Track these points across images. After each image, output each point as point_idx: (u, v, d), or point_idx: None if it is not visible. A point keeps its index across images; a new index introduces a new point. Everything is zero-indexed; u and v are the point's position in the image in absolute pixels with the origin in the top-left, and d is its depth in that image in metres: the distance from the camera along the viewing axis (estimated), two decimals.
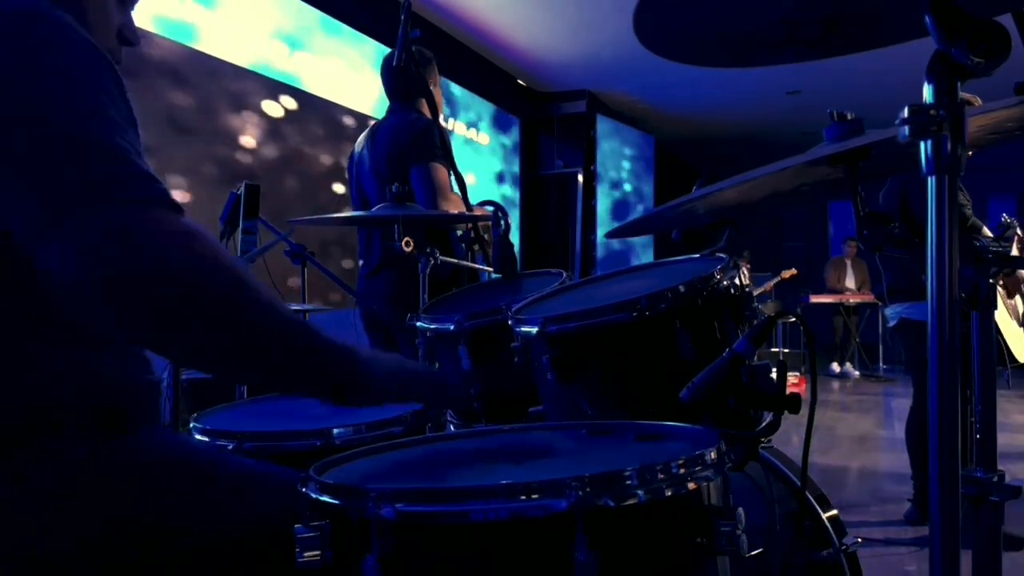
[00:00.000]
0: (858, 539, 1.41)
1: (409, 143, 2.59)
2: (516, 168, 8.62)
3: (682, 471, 0.76)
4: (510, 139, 8.51)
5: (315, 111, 5.35)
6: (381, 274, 2.72)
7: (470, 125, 7.57)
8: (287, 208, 4.65)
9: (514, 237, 6.47)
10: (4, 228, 0.80)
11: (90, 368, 0.93)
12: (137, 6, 1.09)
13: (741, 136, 10.76)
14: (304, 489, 0.80)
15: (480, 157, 7.80)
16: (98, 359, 0.94)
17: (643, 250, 9.54)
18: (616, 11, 5.60)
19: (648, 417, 1.05)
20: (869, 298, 9.26)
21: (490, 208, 2.02)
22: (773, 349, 8.76)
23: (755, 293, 1.20)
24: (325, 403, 0.95)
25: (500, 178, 8.24)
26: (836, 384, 8.93)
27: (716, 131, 10.70)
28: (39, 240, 0.77)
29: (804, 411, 1.01)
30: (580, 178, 8.75)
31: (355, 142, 2.94)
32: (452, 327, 1.52)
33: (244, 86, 4.75)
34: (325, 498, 0.77)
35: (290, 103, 5.12)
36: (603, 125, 9.03)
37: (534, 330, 1.20)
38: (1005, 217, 3.28)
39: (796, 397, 0.97)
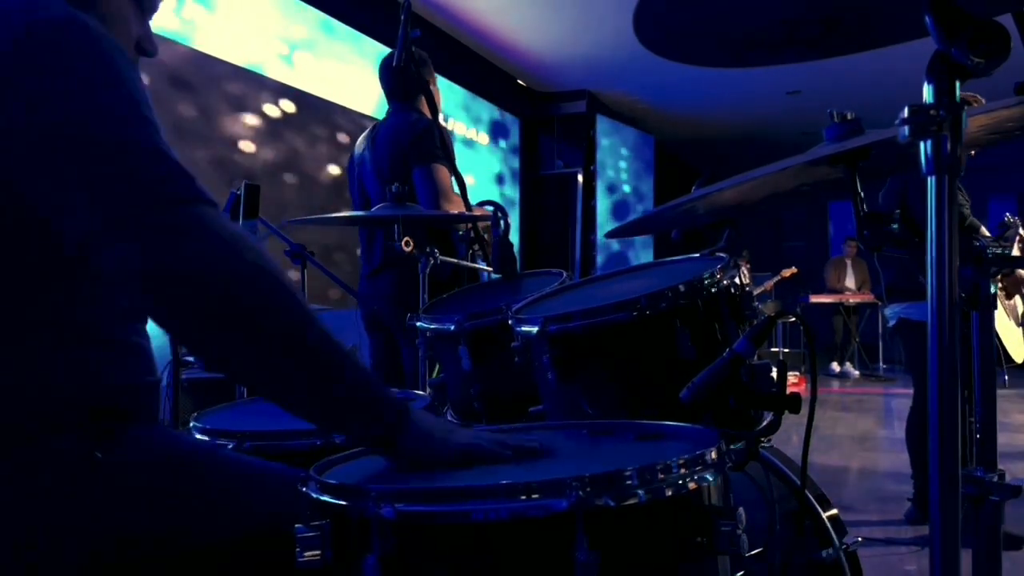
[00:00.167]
0: (858, 539, 1.41)
1: (410, 144, 2.59)
2: (516, 168, 8.61)
3: (682, 471, 0.76)
4: (509, 141, 8.51)
5: (314, 112, 5.35)
6: (382, 274, 2.72)
7: (470, 125, 7.58)
8: (287, 208, 4.65)
9: (514, 237, 6.47)
10: (56, 229, 0.82)
11: (91, 368, 0.93)
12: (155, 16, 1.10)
13: (741, 136, 10.75)
14: (304, 489, 0.80)
15: (480, 157, 7.80)
16: (100, 359, 0.94)
17: (643, 250, 9.54)
18: (616, 11, 5.60)
19: (648, 417, 1.05)
20: (869, 298, 9.26)
21: (490, 208, 2.02)
22: (773, 349, 8.77)
23: (755, 293, 1.20)
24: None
25: (500, 180, 8.24)
26: (836, 384, 8.93)
27: (716, 131, 10.70)
28: (98, 243, 0.78)
29: (804, 411, 1.01)
30: (580, 178, 8.75)
31: (355, 143, 2.94)
32: (452, 327, 1.52)
33: (243, 86, 4.76)
34: (325, 498, 0.78)
35: (289, 104, 5.13)
36: (603, 125, 9.02)
37: (534, 330, 1.20)
38: (1008, 217, 3.28)
39: (796, 397, 0.97)
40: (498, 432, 1.06)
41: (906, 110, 0.76)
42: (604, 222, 8.93)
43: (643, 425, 1.02)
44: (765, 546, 1.22)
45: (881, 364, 9.40)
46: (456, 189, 2.49)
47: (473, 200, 2.53)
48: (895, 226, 0.90)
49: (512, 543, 0.72)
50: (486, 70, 7.86)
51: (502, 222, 1.91)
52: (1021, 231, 3.37)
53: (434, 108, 2.61)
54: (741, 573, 1.28)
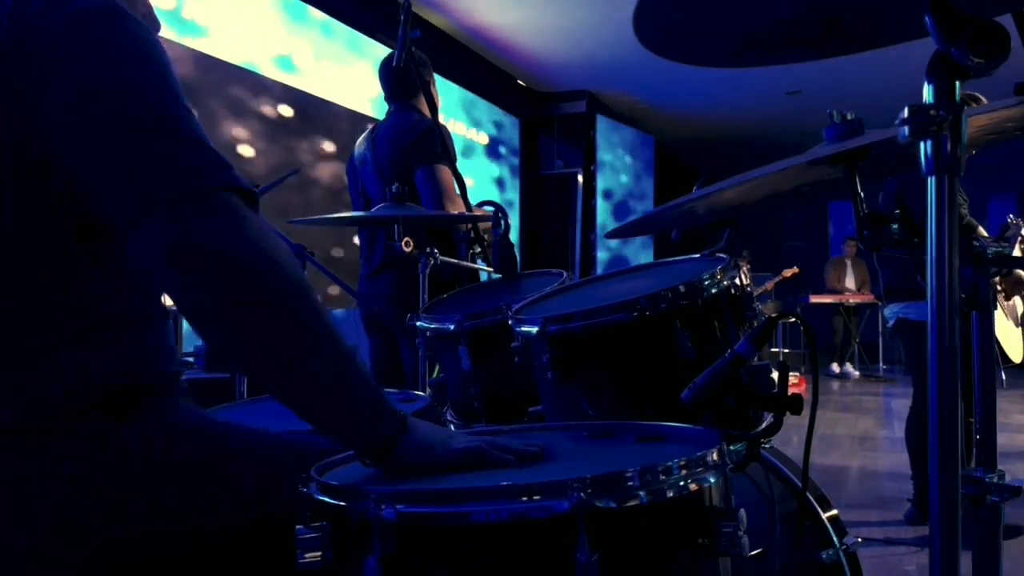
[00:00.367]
0: (858, 539, 1.41)
1: (412, 144, 2.59)
2: (516, 168, 8.61)
3: (683, 472, 0.76)
4: (509, 143, 8.51)
5: (314, 112, 5.35)
6: (383, 274, 2.72)
7: (470, 126, 7.58)
8: (287, 209, 4.65)
9: (514, 237, 6.47)
10: (95, 216, 0.85)
11: (111, 364, 0.93)
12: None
13: (741, 136, 10.75)
14: (305, 490, 0.80)
15: (479, 157, 7.80)
16: (123, 348, 0.94)
17: (643, 250, 9.53)
18: (616, 11, 5.60)
19: (649, 417, 1.05)
20: (869, 298, 9.26)
21: (490, 208, 2.02)
22: (773, 349, 8.77)
23: (755, 293, 1.20)
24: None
25: (500, 183, 8.24)
26: (836, 384, 8.93)
27: (716, 131, 10.69)
28: (135, 221, 0.81)
29: (805, 412, 1.01)
30: (580, 178, 8.75)
31: (355, 143, 2.94)
32: (452, 327, 1.52)
33: (243, 86, 4.75)
34: (326, 499, 0.77)
35: (289, 103, 5.13)
36: (603, 125, 9.02)
37: (534, 330, 1.20)
38: (1011, 218, 3.27)
39: (797, 398, 0.97)
40: (498, 433, 1.06)
41: (906, 110, 0.76)
42: (604, 222, 8.93)
43: (644, 426, 1.01)
44: (766, 546, 1.22)
45: (881, 364, 9.39)
46: (457, 190, 2.49)
47: (473, 200, 2.53)
48: (895, 227, 0.90)
49: (513, 544, 0.72)
50: (486, 70, 7.86)
51: (502, 222, 1.91)
52: (1022, 231, 3.37)
53: (434, 108, 2.61)
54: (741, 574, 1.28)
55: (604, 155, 9.05)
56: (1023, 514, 1.79)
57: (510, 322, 1.29)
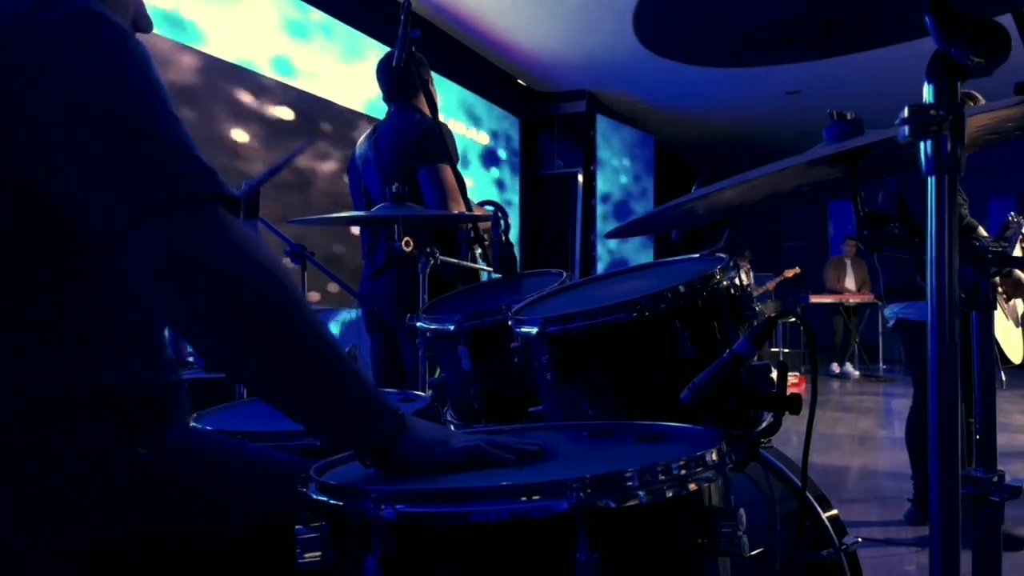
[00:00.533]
0: (858, 539, 1.41)
1: (414, 144, 2.59)
2: (516, 168, 8.61)
3: (683, 472, 0.76)
4: (508, 144, 8.50)
5: (314, 112, 5.35)
6: (385, 274, 2.72)
7: (470, 126, 7.57)
8: (287, 208, 4.65)
9: (514, 237, 6.47)
10: (82, 226, 0.83)
11: (112, 366, 0.93)
12: None
13: (741, 136, 10.75)
14: (304, 490, 0.80)
15: (479, 157, 7.80)
16: (122, 359, 0.94)
17: (643, 250, 9.53)
18: (616, 11, 5.60)
19: (648, 417, 1.05)
20: (869, 298, 9.26)
21: (490, 208, 2.02)
22: (773, 349, 8.77)
23: (756, 293, 1.20)
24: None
25: (500, 183, 8.23)
26: (836, 384, 8.93)
27: (716, 131, 10.69)
28: (122, 232, 0.79)
29: (804, 412, 1.01)
30: (580, 178, 8.75)
31: (355, 143, 2.94)
32: (452, 327, 1.52)
33: (243, 86, 4.75)
34: (325, 499, 0.77)
35: (289, 104, 5.13)
36: (603, 125, 9.02)
37: (534, 330, 1.20)
38: (1012, 216, 3.27)
39: (797, 398, 0.97)
40: (498, 433, 1.06)
41: (906, 110, 0.76)
42: (604, 222, 8.92)
43: (643, 426, 1.01)
44: (765, 546, 1.22)
45: (881, 364, 9.39)
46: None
47: (473, 200, 2.53)
48: (895, 227, 0.90)
49: (512, 544, 0.72)
50: (486, 70, 7.86)
51: (502, 222, 1.91)
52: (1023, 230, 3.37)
53: (434, 107, 2.61)
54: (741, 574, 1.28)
55: (604, 155, 9.05)
56: (1023, 514, 1.79)
57: (510, 322, 1.29)
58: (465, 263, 2.45)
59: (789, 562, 1.28)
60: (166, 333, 1.03)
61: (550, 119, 8.93)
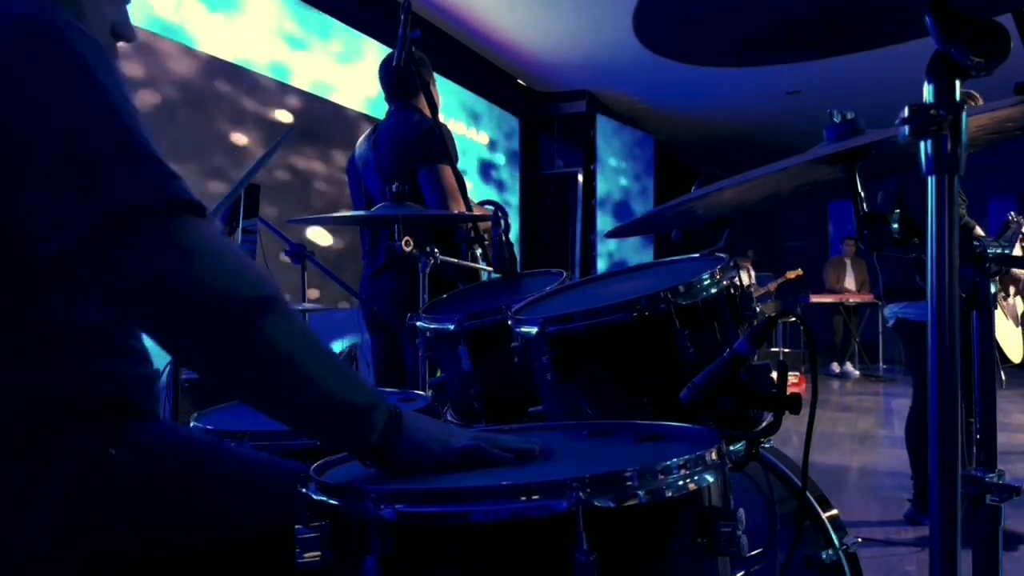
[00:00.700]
0: (858, 539, 1.41)
1: (414, 144, 2.59)
2: (516, 168, 8.61)
3: (683, 472, 0.76)
4: (508, 144, 8.50)
5: (313, 112, 5.35)
6: (386, 274, 2.72)
7: (470, 126, 7.58)
8: (286, 208, 4.65)
9: (514, 237, 6.46)
10: (46, 241, 0.78)
11: (86, 369, 0.93)
12: (133, 2, 1.08)
13: (741, 136, 10.75)
14: (304, 489, 0.80)
15: (479, 157, 7.80)
16: (97, 357, 0.94)
17: (643, 250, 9.53)
18: (616, 11, 5.60)
19: (648, 417, 1.05)
20: (869, 298, 9.25)
21: (490, 208, 2.02)
22: (773, 349, 8.76)
23: (758, 294, 1.20)
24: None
25: (500, 183, 8.23)
26: (836, 384, 8.92)
27: (716, 131, 10.69)
28: (84, 249, 0.76)
29: (804, 411, 1.01)
30: (580, 178, 8.75)
31: (354, 143, 2.94)
32: (452, 327, 1.52)
33: (242, 86, 4.75)
34: (325, 499, 0.77)
35: (288, 104, 5.12)
36: (603, 125, 9.02)
37: (534, 330, 1.20)
38: (1011, 215, 3.27)
39: (796, 397, 0.97)
40: (498, 432, 1.06)
41: (906, 110, 0.76)
42: (604, 222, 8.92)
43: (643, 426, 1.01)
44: (765, 546, 1.22)
45: (881, 364, 9.39)
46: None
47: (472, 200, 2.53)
48: (895, 226, 0.90)
49: (512, 544, 0.72)
50: (486, 70, 7.85)
51: (502, 222, 1.91)
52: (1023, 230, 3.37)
53: (434, 108, 2.61)
54: (741, 574, 1.28)
55: (604, 155, 9.05)
56: (1023, 514, 1.79)
57: (510, 322, 1.29)
58: (465, 263, 2.45)
59: (789, 562, 1.28)
60: (139, 334, 1.02)
61: (550, 119, 8.93)
